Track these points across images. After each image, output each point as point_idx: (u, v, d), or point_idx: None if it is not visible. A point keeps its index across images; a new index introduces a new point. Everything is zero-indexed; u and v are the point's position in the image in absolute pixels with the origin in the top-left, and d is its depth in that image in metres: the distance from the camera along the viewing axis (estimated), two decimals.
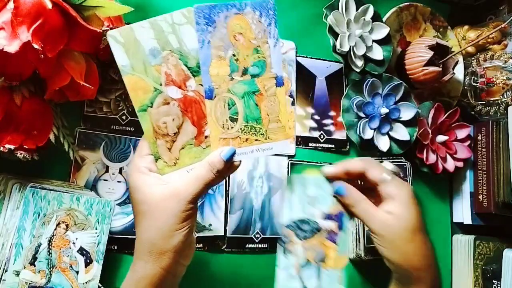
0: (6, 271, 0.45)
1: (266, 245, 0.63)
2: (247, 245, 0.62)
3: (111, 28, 0.47)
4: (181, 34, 0.45)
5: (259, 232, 0.63)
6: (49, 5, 0.42)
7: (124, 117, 0.58)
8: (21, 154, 0.46)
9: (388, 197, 0.50)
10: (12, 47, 0.40)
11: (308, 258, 0.49)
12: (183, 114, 0.46)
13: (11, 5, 0.41)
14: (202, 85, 0.46)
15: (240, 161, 0.47)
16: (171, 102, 0.46)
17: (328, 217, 0.51)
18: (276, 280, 0.49)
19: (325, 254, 0.50)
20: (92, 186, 0.55)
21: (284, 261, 0.49)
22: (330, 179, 0.52)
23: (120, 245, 0.56)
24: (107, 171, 0.56)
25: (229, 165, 0.46)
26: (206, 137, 0.47)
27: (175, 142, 0.46)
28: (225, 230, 0.61)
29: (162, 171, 0.46)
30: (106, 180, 0.56)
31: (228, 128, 0.47)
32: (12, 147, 0.46)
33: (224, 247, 0.61)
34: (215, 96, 0.46)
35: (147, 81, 0.45)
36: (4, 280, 0.45)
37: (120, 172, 0.57)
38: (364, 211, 0.50)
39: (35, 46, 0.40)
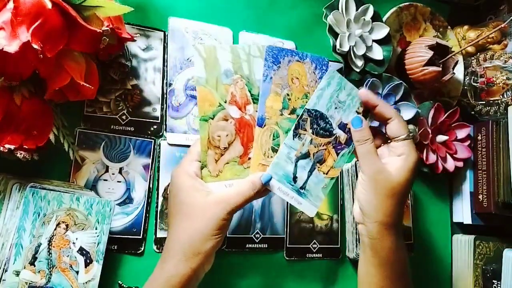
0: (6, 271, 0.45)
1: (266, 245, 0.63)
2: (247, 245, 0.62)
3: (111, 28, 0.47)
4: (253, 64, 0.51)
5: (259, 232, 0.63)
6: (49, 5, 0.42)
7: (124, 117, 0.58)
8: (21, 154, 0.46)
9: (396, 152, 0.51)
10: (12, 47, 0.40)
11: (310, 151, 0.52)
12: (237, 133, 0.51)
13: (11, 5, 0.41)
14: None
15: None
16: (229, 120, 0.51)
17: (343, 126, 0.53)
18: (277, 155, 0.51)
19: (324, 159, 0.53)
20: (92, 186, 0.55)
21: (292, 141, 0.51)
22: (362, 101, 0.53)
23: (120, 245, 0.56)
24: (107, 171, 0.56)
25: (264, 188, 0.50)
26: (249, 158, 0.51)
27: (223, 156, 0.50)
28: None
29: (204, 179, 0.50)
30: (106, 180, 0.56)
31: (268, 156, 0.51)
32: (12, 147, 0.46)
33: (224, 247, 0.61)
34: (264, 125, 0.51)
35: (215, 96, 0.50)
36: (4, 280, 0.45)
37: (120, 172, 0.57)
38: (366, 151, 0.51)
39: (35, 46, 0.40)
